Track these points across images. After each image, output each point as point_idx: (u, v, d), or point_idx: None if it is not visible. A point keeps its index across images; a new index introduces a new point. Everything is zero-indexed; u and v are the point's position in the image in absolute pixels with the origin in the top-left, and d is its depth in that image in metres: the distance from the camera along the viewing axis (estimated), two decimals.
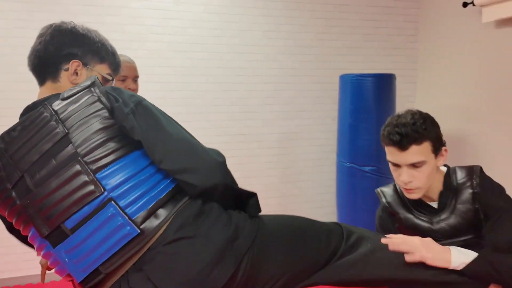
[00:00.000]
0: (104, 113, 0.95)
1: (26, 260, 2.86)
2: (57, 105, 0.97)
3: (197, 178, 0.93)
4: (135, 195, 0.91)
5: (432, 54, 3.74)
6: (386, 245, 1.06)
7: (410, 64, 3.90)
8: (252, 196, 1.02)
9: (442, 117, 3.72)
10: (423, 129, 1.19)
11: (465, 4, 3.10)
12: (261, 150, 3.43)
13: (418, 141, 1.17)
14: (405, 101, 3.92)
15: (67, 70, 1.07)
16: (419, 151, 1.18)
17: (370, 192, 2.95)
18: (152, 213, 0.91)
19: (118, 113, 0.95)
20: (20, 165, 0.94)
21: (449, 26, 3.50)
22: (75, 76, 1.07)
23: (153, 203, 0.92)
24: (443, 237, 1.25)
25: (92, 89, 0.98)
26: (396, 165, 1.23)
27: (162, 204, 0.93)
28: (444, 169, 1.32)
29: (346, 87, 3.05)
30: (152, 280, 0.88)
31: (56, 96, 1.00)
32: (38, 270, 2.73)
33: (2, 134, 0.99)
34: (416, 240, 1.07)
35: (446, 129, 3.85)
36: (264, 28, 3.41)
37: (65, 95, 0.98)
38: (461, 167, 1.28)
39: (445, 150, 1.26)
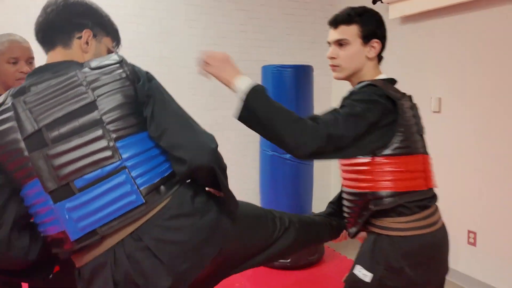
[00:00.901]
0: (130, 90, 1.02)
1: None
2: (87, 72, 1.02)
3: (187, 155, 0.98)
4: (145, 169, 0.99)
5: None
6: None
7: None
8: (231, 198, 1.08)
9: None
10: (356, 15, 1.26)
11: (374, 1, 3.34)
12: None
13: (347, 22, 1.26)
14: (323, 92, 4.15)
15: (79, 38, 1.10)
16: (346, 31, 1.26)
17: (290, 178, 3.10)
18: (155, 188, 0.98)
19: (140, 90, 1.03)
20: (39, 119, 0.96)
21: None
22: (86, 45, 1.11)
23: (158, 179, 1.00)
24: None
25: (123, 65, 1.04)
26: (329, 45, 1.32)
27: (163, 182, 1.01)
28: (383, 76, 1.32)
29: (268, 77, 3.14)
30: (151, 249, 0.94)
31: (76, 63, 1.05)
32: None
33: (23, 86, 1.02)
34: (219, 54, 1.18)
35: None
36: (186, 17, 3.37)
37: (94, 65, 1.03)
38: (374, 80, 1.26)
39: (377, 42, 1.27)
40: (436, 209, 1.27)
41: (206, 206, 1.03)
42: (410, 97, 1.30)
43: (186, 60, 3.41)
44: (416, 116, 1.27)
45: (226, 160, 1.20)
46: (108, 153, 0.96)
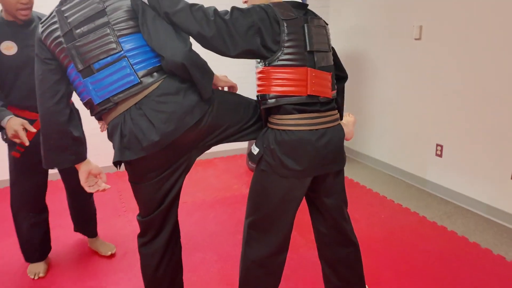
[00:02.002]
0: (129, 3, 1.39)
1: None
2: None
3: (166, 54, 1.33)
4: (141, 59, 1.37)
5: None
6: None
7: None
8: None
9: (349, 36, 4.19)
10: None
11: None
12: None
13: None
14: None
15: None
16: None
17: None
18: (149, 73, 1.37)
19: (134, 4, 1.39)
20: (71, 22, 1.38)
21: None
22: None
23: (151, 67, 1.38)
24: None
25: None
26: None
27: (156, 70, 1.38)
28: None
29: None
30: (146, 115, 1.36)
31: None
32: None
33: (61, 1, 1.42)
34: None
35: (348, 46, 4.34)
36: None
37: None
38: (269, 3, 1.46)
39: None
40: (321, 116, 1.47)
41: (188, 89, 1.39)
42: (307, 18, 1.46)
43: None
44: (310, 35, 1.44)
45: None
46: (113, 45, 1.34)
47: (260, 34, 1.39)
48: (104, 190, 1.57)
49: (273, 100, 1.45)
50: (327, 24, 1.59)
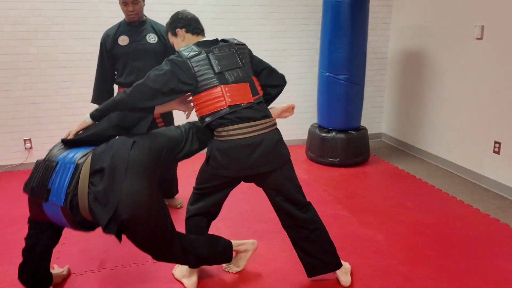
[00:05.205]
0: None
1: None
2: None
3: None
4: None
5: None
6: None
7: None
8: None
9: (411, 34, 4.31)
10: (166, 28, 2.03)
11: None
12: None
13: (166, 35, 2.04)
14: (380, 22, 4.50)
15: None
16: (169, 39, 2.04)
17: (342, 96, 3.71)
18: None
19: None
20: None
21: None
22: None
23: None
24: None
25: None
26: None
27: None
28: (199, 40, 1.92)
29: (328, 8, 3.63)
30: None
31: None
32: None
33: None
34: None
35: (409, 44, 4.47)
36: (106, 14, 3.66)
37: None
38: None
39: (179, 29, 1.94)
40: (254, 124, 1.78)
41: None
42: (211, 49, 1.82)
43: None
44: (215, 61, 1.80)
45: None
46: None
47: (176, 77, 1.75)
48: None
49: (208, 118, 1.80)
50: (243, 44, 1.94)
